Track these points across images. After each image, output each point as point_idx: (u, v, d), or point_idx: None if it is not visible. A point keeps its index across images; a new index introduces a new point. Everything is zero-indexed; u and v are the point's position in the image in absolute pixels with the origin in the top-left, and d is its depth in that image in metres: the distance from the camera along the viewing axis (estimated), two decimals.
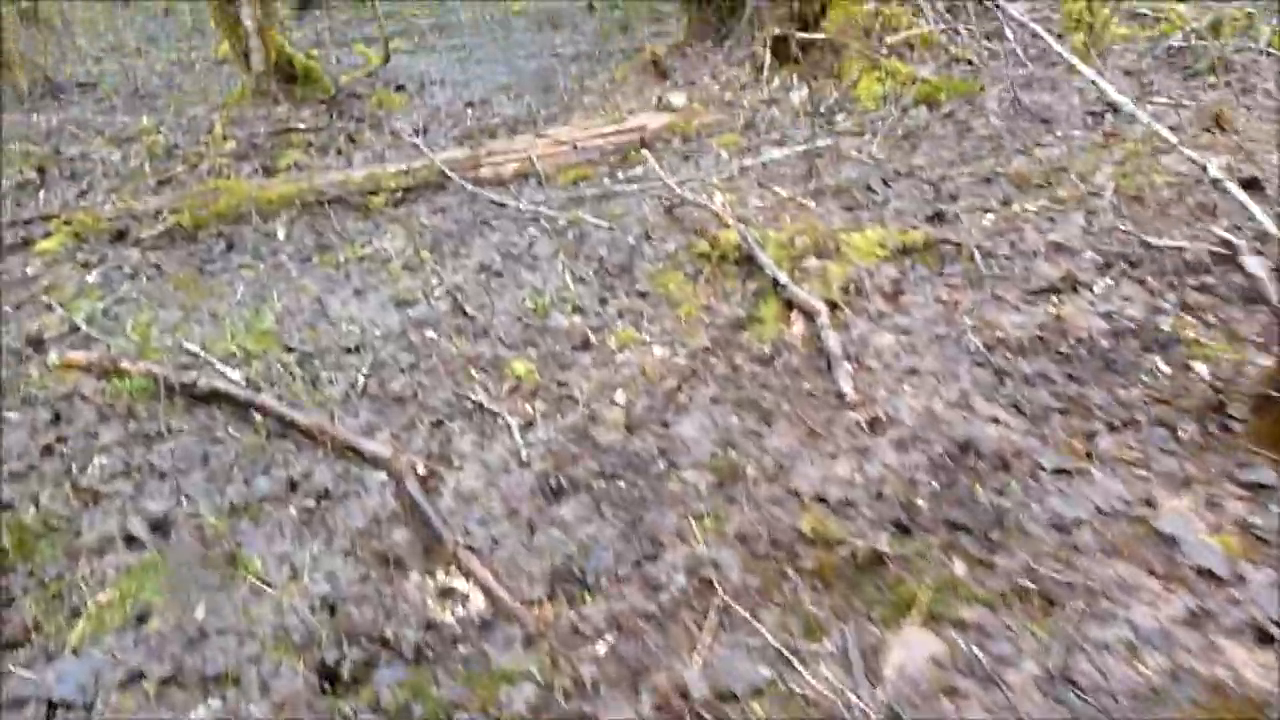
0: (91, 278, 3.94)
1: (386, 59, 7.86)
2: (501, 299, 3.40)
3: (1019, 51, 4.78)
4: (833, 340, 2.63)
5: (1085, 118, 4.10)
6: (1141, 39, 4.80)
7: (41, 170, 5.44)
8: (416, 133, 5.70)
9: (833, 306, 2.81)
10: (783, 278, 2.91)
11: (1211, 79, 4.20)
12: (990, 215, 3.30)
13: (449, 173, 4.49)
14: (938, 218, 3.39)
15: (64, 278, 3.93)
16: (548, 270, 3.60)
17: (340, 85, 6.74)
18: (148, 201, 4.55)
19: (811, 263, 3.03)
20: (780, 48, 5.15)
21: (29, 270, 4.04)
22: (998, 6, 4.97)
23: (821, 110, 4.72)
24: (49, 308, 3.63)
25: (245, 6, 6.08)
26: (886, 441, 2.27)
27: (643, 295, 3.30)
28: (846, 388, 2.45)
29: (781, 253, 3.10)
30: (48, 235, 4.33)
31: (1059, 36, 4.95)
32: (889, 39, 4.80)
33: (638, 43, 8.44)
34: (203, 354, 3.09)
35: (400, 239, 4.06)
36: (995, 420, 2.28)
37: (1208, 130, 3.60)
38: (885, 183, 3.89)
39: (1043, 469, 2.11)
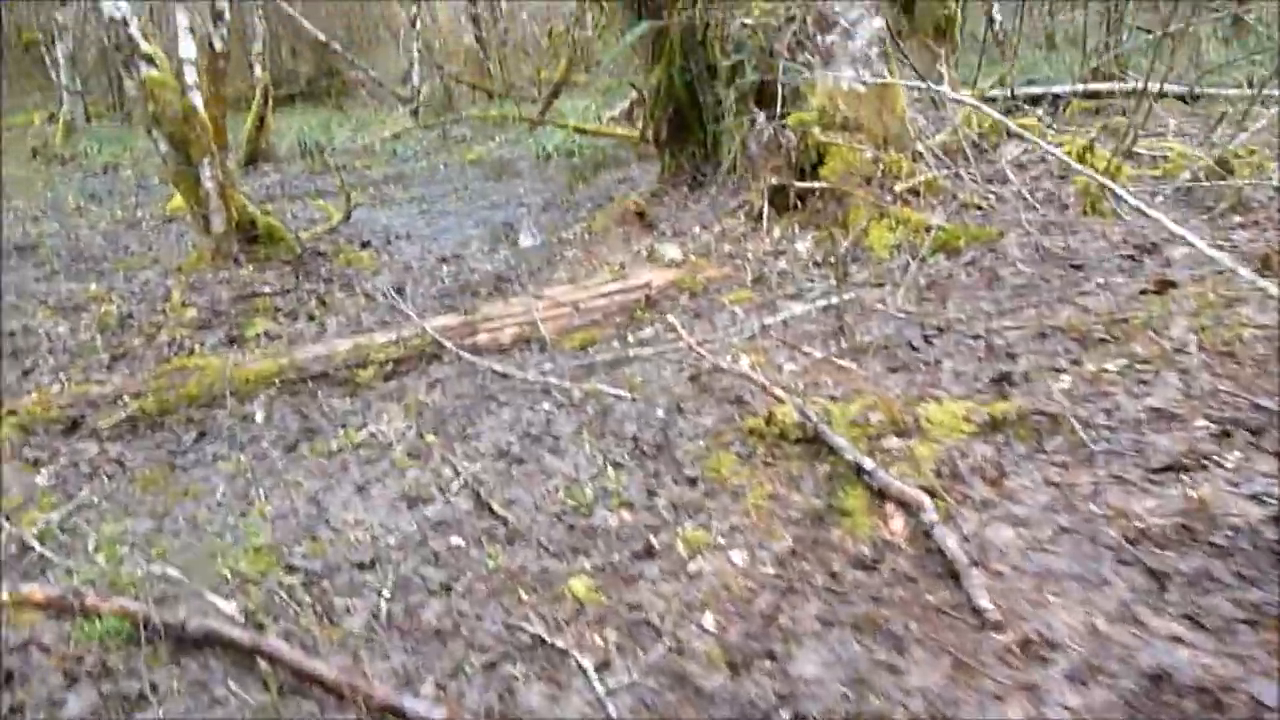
0: (42, 479, 3.43)
1: (348, 214, 7.60)
2: (530, 491, 2.99)
3: (1026, 195, 4.68)
4: (950, 539, 2.27)
5: (1120, 262, 3.94)
6: (1147, 178, 4.74)
7: None
8: (399, 293, 5.36)
9: (929, 494, 2.47)
10: (867, 463, 2.57)
11: (1238, 218, 4.10)
12: (1066, 377, 3.04)
13: (443, 341, 4.12)
14: (1004, 380, 3.12)
15: (10, 482, 3.40)
16: (574, 453, 3.21)
17: (303, 244, 6.41)
18: (104, 384, 4.08)
19: (892, 442, 2.70)
20: (778, 197, 4.98)
21: None
22: (995, 150, 4.91)
23: (833, 261, 4.51)
24: None
25: (206, 166, 5.76)
26: (1057, 674, 1.89)
27: (692, 482, 2.92)
28: (983, 601, 2.08)
29: (854, 430, 2.77)
30: None
31: (1062, 178, 4.89)
32: (895, 186, 4.66)
33: (605, 191, 8.35)
34: (187, 581, 2.60)
35: (398, 420, 3.64)
36: (1178, 640, 1.92)
37: (1260, 274, 3.44)
38: (927, 339, 3.64)
39: (1266, 706, 1.75)
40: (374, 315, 5.23)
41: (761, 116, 5.06)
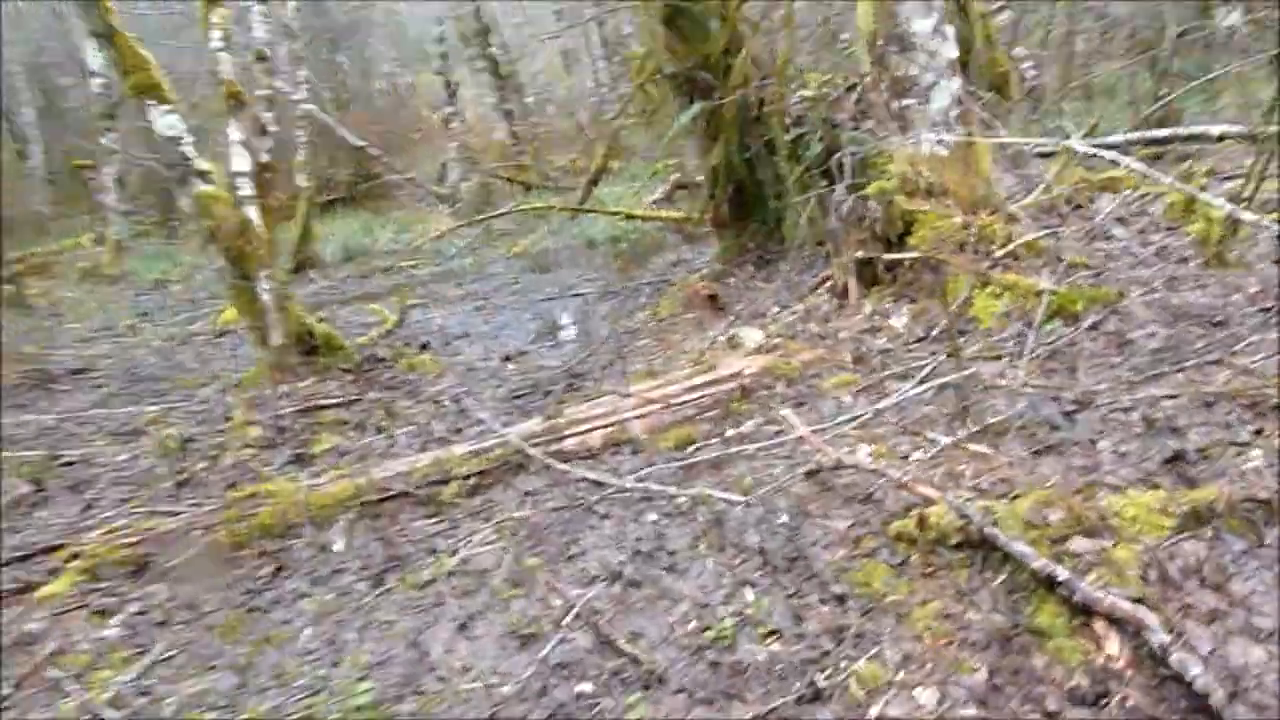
0: (112, 631, 3.14)
1: (403, 317, 7.42)
2: (655, 621, 2.65)
3: (1137, 250, 4.35)
4: (1192, 665, 1.89)
5: (1264, 316, 3.58)
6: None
7: (37, 483, 4.72)
8: (466, 397, 5.10)
9: (1145, 606, 2.09)
10: (1060, 571, 2.20)
11: None
12: (1255, 452, 2.67)
13: (529, 450, 3.83)
14: (1179, 460, 2.75)
15: (77, 636, 3.12)
16: (696, 571, 2.87)
17: (362, 351, 6.21)
18: (171, 516, 3.81)
19: (1080, 544, 2.33)
20: (864, 270, 4.69)
21: (31, 627, 3.22)
22: (1091, 204, 4.60)
23: (940, 335, 4.18)
24: (59, 688, 2.81)
25: (263, 279, 5.60)
26: None
27: (841, 600, 2.57)
28: None
29: (1031, 532, 2.41)
30: (53, 574, 3.55)
31: (1170, 229, 4.56)
32: (992, 250, 4.35)
33: (660, 275, 8.13)
34: None
35: (492, 541, 3.33)
36: None
37: None
38: (1068, 416, 3.28)
39: None
40: (445, 423, 4.96)
41: (840, 188, 4.80)
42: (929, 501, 2.80)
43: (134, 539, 3.65)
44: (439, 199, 16.02)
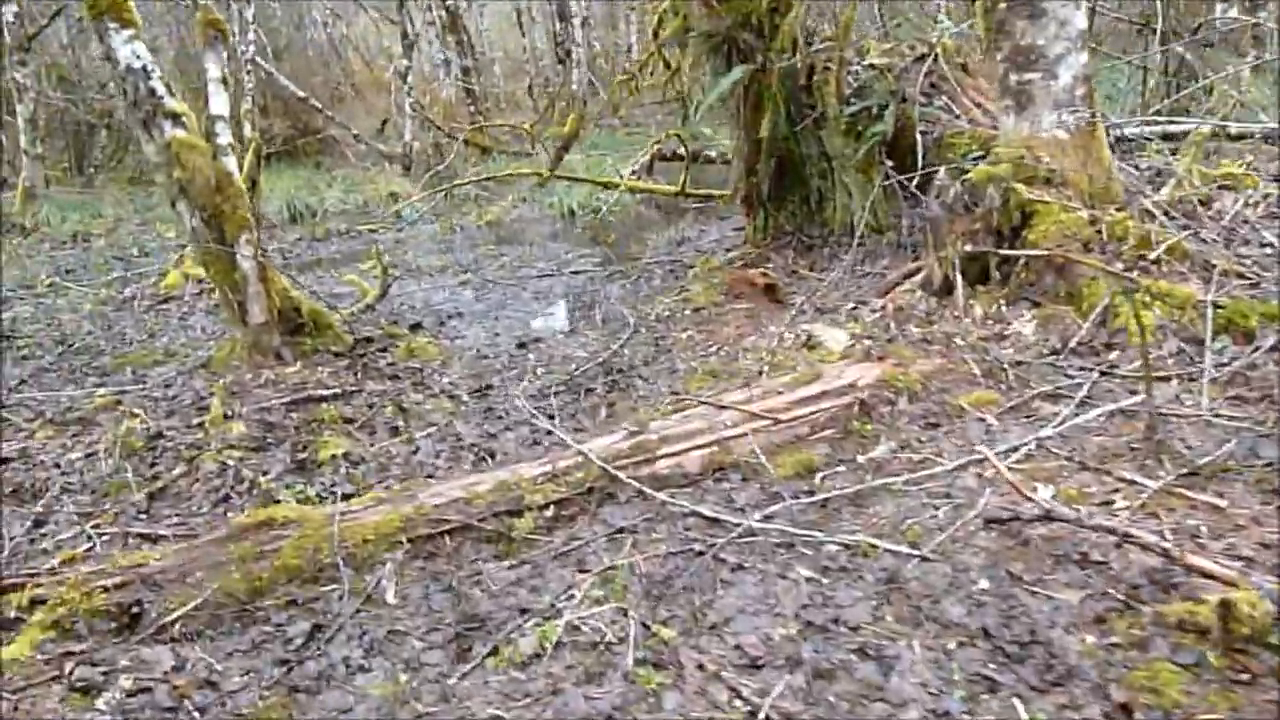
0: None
1: (385, 290, 6.58)
2: None
3: None
4: None
5: None
6: None
7: None
8: (486, 391, 4.36)
9: None
10: None
11: None
12: None
13: (616, 474, 3.12)
14: None
15: None
16: (902, 658, 2.22)
17: (355, 332, 5.37)
18: (161, 551, 3.00)
19: None
20: (971, 267, 4.09)
21: None
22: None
23: (1076, 347, 3.61)
24: None
25: (243, 244, 4.73)
26: None
27: (1127, 713, 1.96)
28: None
29: None
30: (14, 624, 2.71)
31: None
32: (1126, 251, 3.79)
33: (666, 253, 7.43)
34: None
35: (599, 597, 2.62)
36: None
37: None
38: None
39: None
40: (470, 424, 4.22)
41: (942, 171, 4.18)
42: (1194, 571, 2.22)
43: (115, 578, 2.83)
44: (387, 158, 14.94)
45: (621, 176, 10.47)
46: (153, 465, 3.96)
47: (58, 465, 4.01)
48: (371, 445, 4.03)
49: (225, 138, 4.75)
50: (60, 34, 17.41)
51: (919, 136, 5.05)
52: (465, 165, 14.53)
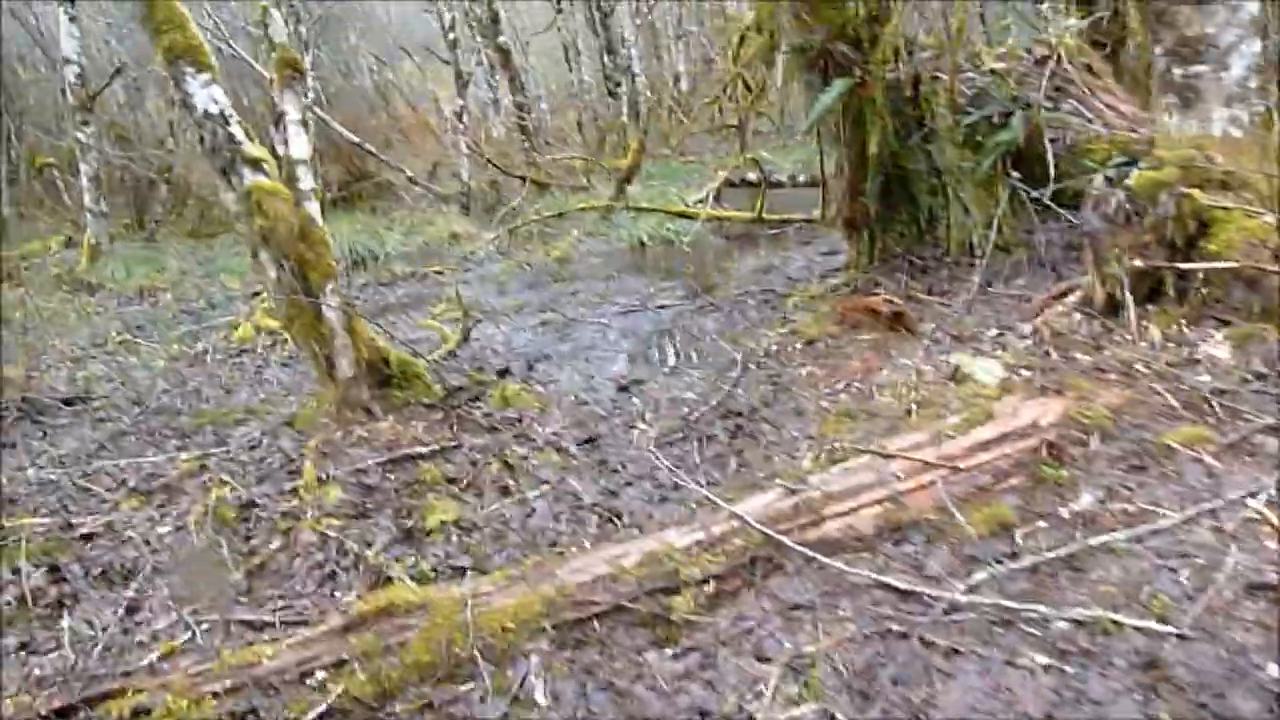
0: None
1: (467, 334, 6.28)
2: None
3: None
4: None
5: None
6: None
7: (55, 570, 3.52)
8: (590, 443, 3.99)
9: None
10: None
11: None
12: None
13: (780, 539, 2.72)
14: None
15: None
16: None
17: (446, 382, 5.04)
18: (274, 648, 2.65)
19: None
20: (1140, 284, 3.64)
21: None
22: None
23: None
24: None
25: (329, 295, 4.44)
26: None
27: None
28: None
29: None
30: None
31: None
32: None
33: (754, 281, 7.04)
34: None
35: (789, 689, 2.21)
36: None
37: None
38: None
39: None
40: (586, 479, 3.85)
41: (1098, 179, 3.75)
42: None
43: (225, 681, 2.49)
44: (443, 199, 14.80)
45: (690, 205, 10.15)
46: (248, 538, 3.64)
47: (147, 541, 3.71)
48: (481, 508, 3.68)
49: (308, 182, 4.48)
50: (118, 94, 17.71)
51: (1047, 144, 4.62)
52: (527, 202, 14.35)
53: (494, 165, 14.47)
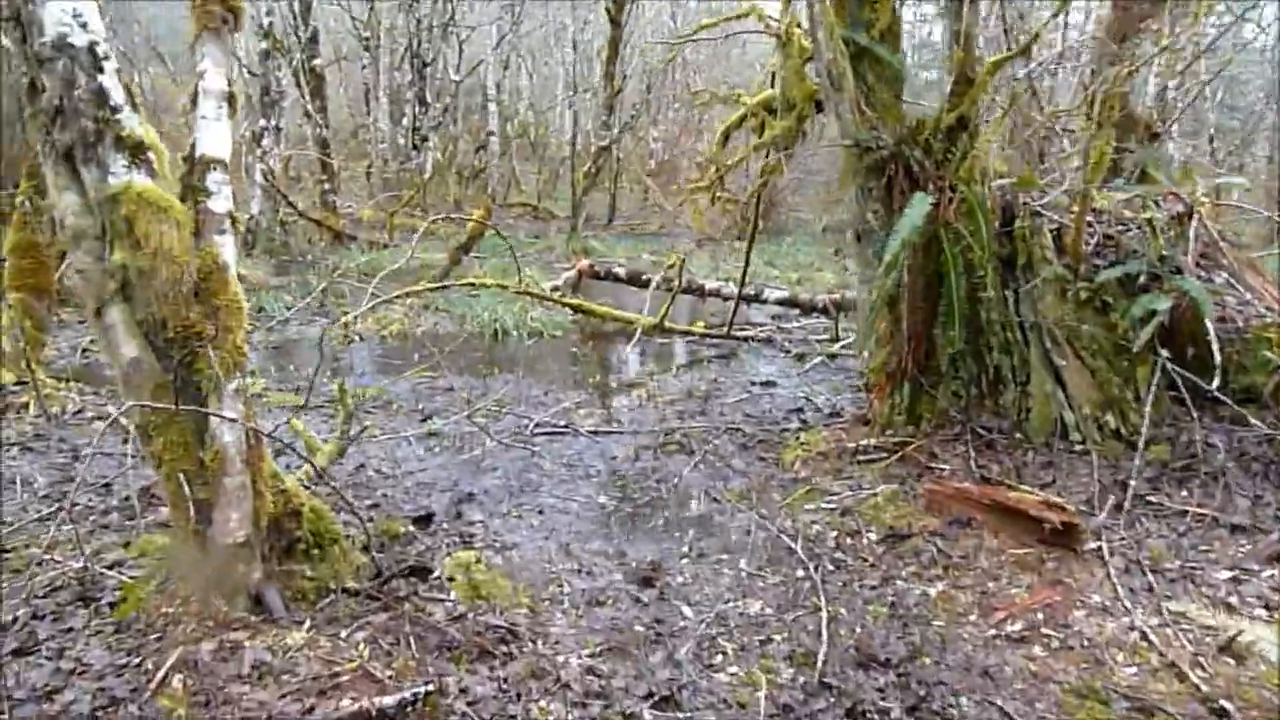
0: None
1: (343, 450, 4.35)
2: None
3: None
4: None
5: None
6: None
7: None
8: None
9: None
10: None
11: None
12: None
13: None
14: None
15: None
16: None
17: (374, 554, 3.14)
18: None
19: None
20: None
21: None
22: None
23: None
24: None
25: (229, 399, 2.53)
26: None
27: None
28: None
29: None
30: None
31: None
32: None
33: (744, 412, 5.62)
34: None
35: None
36: None
37: None
38: None
39: None
40: None
41: None
42: None
43: None
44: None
45: (542, 289, 8.60)
46: None
47: None
48: None
49: (222, 201, 2.56)
50: None
51: (1210, 324, 3.67)
52: (315, 250, 12.09)
53: (291, 205, 12.12)
